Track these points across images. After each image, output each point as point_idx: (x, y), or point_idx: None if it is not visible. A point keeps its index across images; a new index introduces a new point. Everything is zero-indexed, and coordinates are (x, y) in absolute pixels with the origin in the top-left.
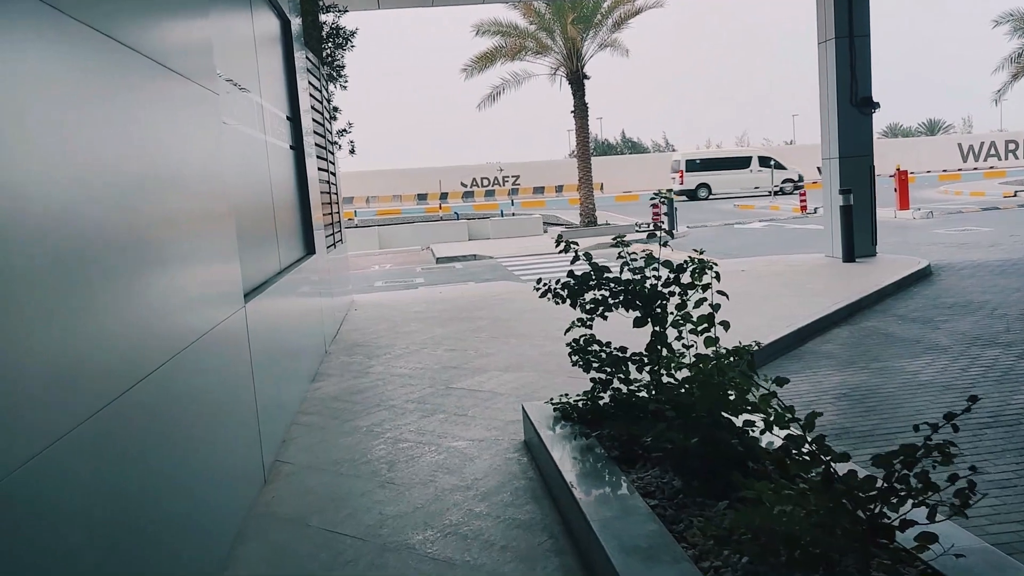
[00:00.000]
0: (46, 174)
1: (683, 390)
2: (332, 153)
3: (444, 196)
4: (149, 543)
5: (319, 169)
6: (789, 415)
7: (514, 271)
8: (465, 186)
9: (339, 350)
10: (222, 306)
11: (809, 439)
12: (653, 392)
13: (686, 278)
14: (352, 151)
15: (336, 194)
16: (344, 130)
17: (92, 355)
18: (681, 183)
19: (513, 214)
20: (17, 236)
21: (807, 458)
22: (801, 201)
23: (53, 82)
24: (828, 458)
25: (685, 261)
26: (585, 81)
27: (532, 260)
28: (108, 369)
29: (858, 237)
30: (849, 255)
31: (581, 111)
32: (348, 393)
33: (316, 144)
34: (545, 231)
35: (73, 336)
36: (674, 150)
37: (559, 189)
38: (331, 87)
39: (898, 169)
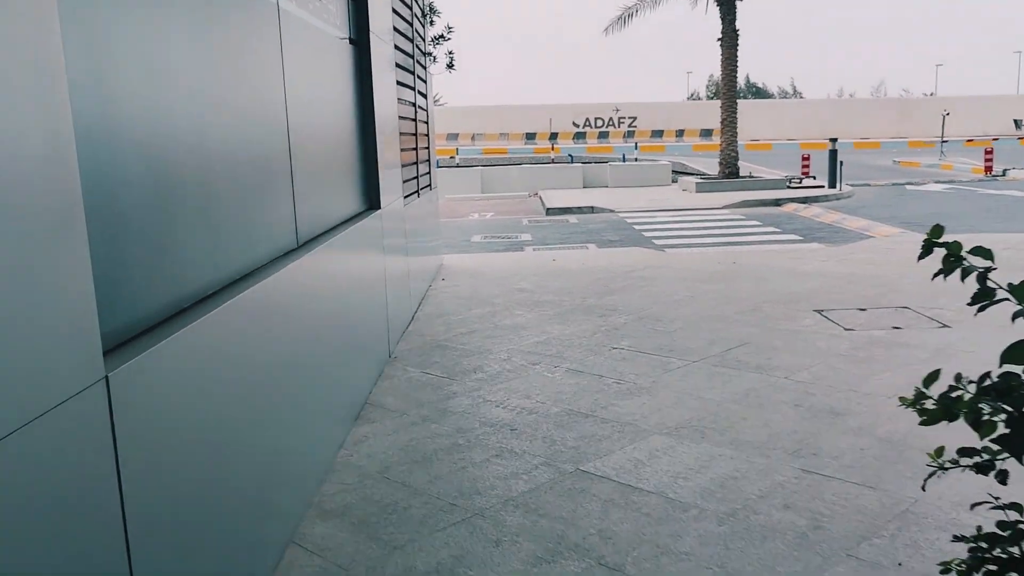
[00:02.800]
0: None
1: None
2: (424, 67)
3: (554, 136)
4: None
5: (399, 84)
6: None
7: (644, 232)
8: (577, 126)
9: (410, 353)
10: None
11: None
12: None
13: None
14: (451, 65)
15: (427, 123)
16: (442, 36)
17: None
18: None
19: (636, 159)
20: None
21: None
22: (987, 160)
23: None
24: None
25: None
26: (738, 2)
27: (663, 218)
28: None
29: None
30: None
31: (730, 39)
32: (405, 464)
33: (397, 47)
34: (674, 181)
35: None
36: (802, 97)
37: (679, 133)
38: None
39: None
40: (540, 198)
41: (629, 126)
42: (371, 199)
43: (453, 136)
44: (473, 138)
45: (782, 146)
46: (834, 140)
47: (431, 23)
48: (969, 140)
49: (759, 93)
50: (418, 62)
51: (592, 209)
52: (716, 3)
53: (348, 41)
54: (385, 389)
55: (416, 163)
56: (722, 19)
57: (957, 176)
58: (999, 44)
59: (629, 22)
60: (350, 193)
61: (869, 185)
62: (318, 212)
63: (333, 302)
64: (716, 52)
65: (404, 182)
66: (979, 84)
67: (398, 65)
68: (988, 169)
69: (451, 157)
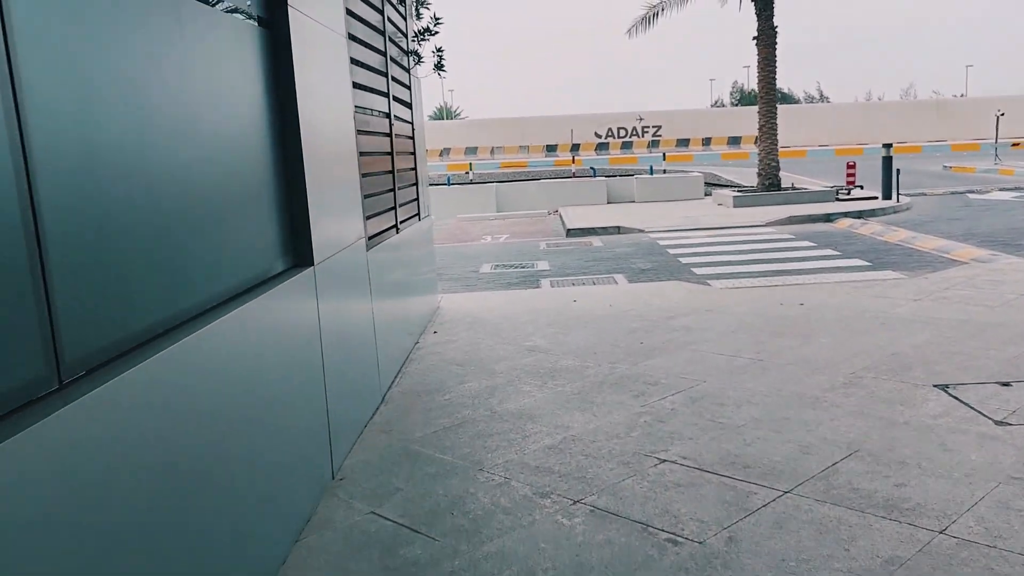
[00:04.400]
0: None
1: None
2: (406, 70)
3: (576, 148)
4: None
5: (360, 87)
6: None
7: (680, 257)
8: (599, 137)
9: (364, 470)
10: None
11: None
12: None
13: None
14: (440, 66)
15: (413, 139)
16: (427, 30)
17: None
18: None
19: (664, 171)
20: None
21: None
22: None
23: None
24: None
25: None
26: None
27: (700, 239)
28: None
29: None
30: None
31: (768, 37)
32: None
33: (356, 38)
34: (707, 194)
35: None
36: (828, 101)
37: (706, 142)
38: None
39: None
40: (560, 216)
41: (654, 135)
42: (296, 252)
43: (472, 150)
44: (492, 151)
45: (816, 153)
46: (888, 146)
47: (417, 15)
48: (1016, 143)
49: (784, 99)
50: (396, 62)
51: (618, 229)
52: None
53: (253, 21)
54: (306, 559)
55: (393, 190)
56: (758, 15)
57: (1022, 182)
58: None
59: (655, 22)
60: (244, 251)
61: (925, 195)
62: (150, 301)
63: (199, 436)
64: (739, 58)
65: (369, 218)
66: (1010, 84)
67: (359, 63)
68: None
69: (465, 172)
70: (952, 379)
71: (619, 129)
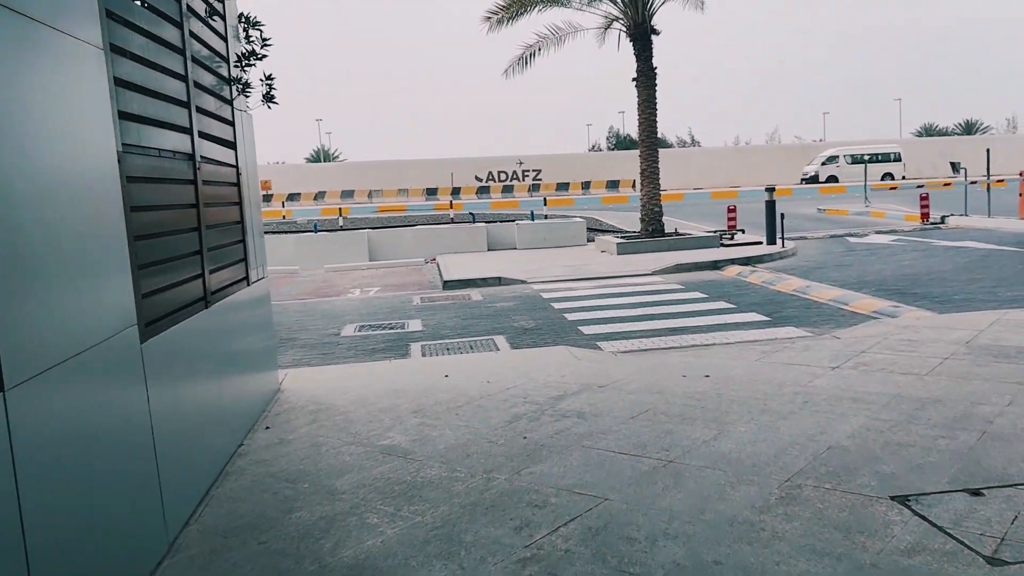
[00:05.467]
0: None
1: None
2: (227, 101)
3: (456, 192)
4: None
5: (134, 119)
6: None
7: (567, 314)
8: (480, 180)
9: None
10: None
11: None
12: None
13: None
14: (269, 97)
15: (237, 185)
16: (252, 53)
17: None
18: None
19: (545, 216)
20: None
21: None
22: (923, 208)
23: None
24: None
25: None
26: (654, 37)
27: (587, 290)
28: None
29: None
30: None
31: (647, 78)
32: None
33: (133, 56)
34: (591, 240)
35: None
36: (700, 145)
37: (586, 186)
38: None
39: None
40: (438, 266)
41: (534, 179)
42: None
43: (348, 193)
44: (370, 195)
45: (692, 196)
46: (771, 190)
47: (246, 38)
48: (877, 183)
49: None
50: (208, 91)
51: (499, 280)
52: (629, 38)
53: None
54: None
55: (200, 253)
56: (637, 56)
57: (894, 224)
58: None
59: (531, 62)
60: None
61: (806, 238)
62: None
63: None
64: (615, 103)
65: (148, 295)
66: (863, 130)
67: (135, 87)
68: (925, 216)
69: (339, 217)
70: (909, 486)
71: (500, 173)
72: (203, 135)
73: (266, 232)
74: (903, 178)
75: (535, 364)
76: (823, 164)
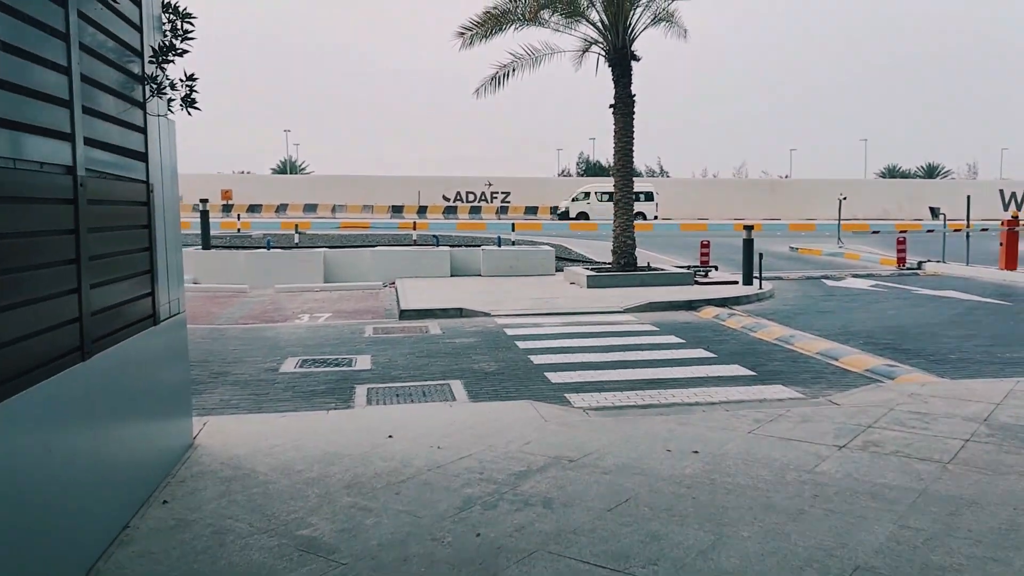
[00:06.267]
0: None
1: None
2: (138, 104)
3: (423, 210)
4: None
5: None
6: None
7: (532, 356)
8: (448, 200)
9: None
10: None
11: None
12: None
13: None
14: (190, 101)
15: (147, 204)
16: (170, 47)
17: None
18: None
19: (513, 242)
20: None
21: None
22: (899, 252)
23: None
24: None
25: None
26: (633, 63)
27: (554, 328)
28: None
29: None
30: None
31: (624, 105)
32: None
33: None
34: (559, 269)
35: None
36: (669, 176)
37: (554, 211)
38: None
39: (1015, 218)
40: (396, 291)
41: (502, 201)
42: None
43: (312, 207)
44: (334, 210)
45: (661, 227)
46: (749, 228)
47: (171, 31)
48: (846, 223)
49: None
50: (107, 89)
51: (460, 312)
52: (607, 63)
53: None
54: None
55: (78, 292)
56: (615, 82)
57: (870, 267)
58: (847, 132)
59: (504, 83)
60: None
61: (782, 278)
62: None
63: None
64: (587, 130)
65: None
66: (829, 168)
67: None
68: (901, 261)
69: (295, 233)
70: None
71: (468, 193)
72: (94, 143)
73: (216, 246)
74: (655, 218)
75: (495, 426)
76: (574, 200)
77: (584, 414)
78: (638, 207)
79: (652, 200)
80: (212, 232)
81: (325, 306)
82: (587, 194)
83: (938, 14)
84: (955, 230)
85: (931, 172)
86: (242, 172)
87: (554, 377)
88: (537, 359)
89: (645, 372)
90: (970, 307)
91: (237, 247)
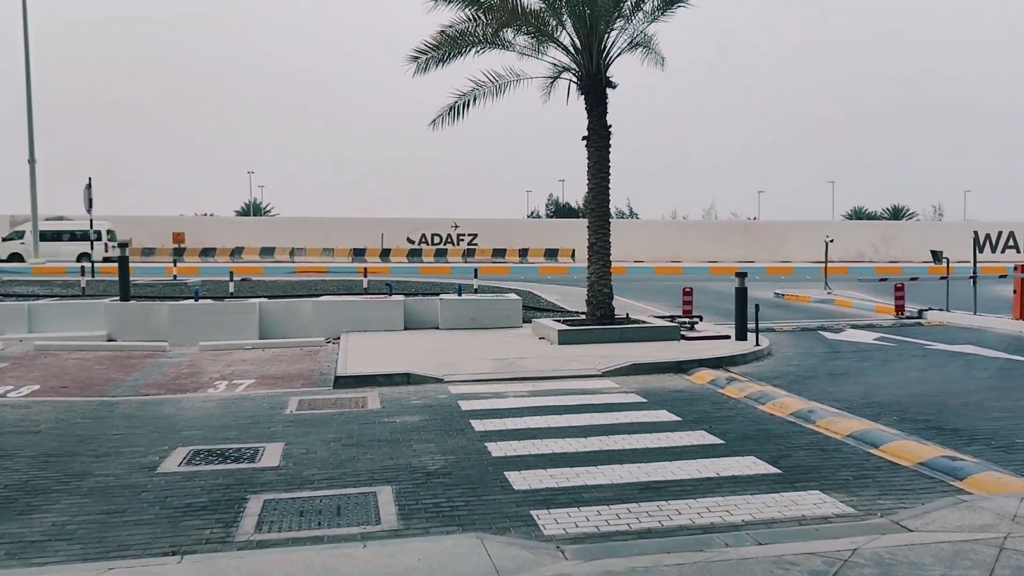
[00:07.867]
0: None
1: None
2: None
3: (386, 253)
4: None
5: None
6: None
7: (490, 443)
8: (412, 242)
9: None
10: None
11: None
12: None
13: None
14: None
15: None
16: None
17: None
18: None
19: (476, 289)
20: None
21: None
22: (897, 300)
23: None
24: None
25: None
26: (609, 91)
27: (519, 399)
28: None
29: None
30: None
31: (599, 137)
32: None
33: None
34: (528, 320)
35: None
36: (637, 216)
37: (523, 253)
38: None
39: None
40: (339, 349)
41: (469, 244)
42: None
43: (268, 251)
44: (292, 253)
45: (635, 270)
46: (743, 275)
47: None
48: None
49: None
50: None
51: (407, 378)
52: (580, 91)
53: None
54: None
55: None
56: (589, 111)
57: (867, 316)
58: (813, 174)
59: (464, 113)
60: None
61: (774, 330)
62: None
63: None
64: (556, 171)
65: None
66: (797, 210)
67: None
68: (900, 309)
69: (230, 279)
70: None
71: (433, 235)
72: None
73: (138, 296)
74: (103, 259)
75: None
76: (4, 240)
77: (557, 553)
78: (86, 246)
79: (102, 240)
80: (141, 279)
81: (251, 369)
82: (20, 232)
83: (905, 67)
84: (941, 277)
85: (896, 214)
86: (205, 214)
87: (517, 480)
88: (496, 449)
89: (636, 470)
90: (1002, 367)
91: (164, 297)
